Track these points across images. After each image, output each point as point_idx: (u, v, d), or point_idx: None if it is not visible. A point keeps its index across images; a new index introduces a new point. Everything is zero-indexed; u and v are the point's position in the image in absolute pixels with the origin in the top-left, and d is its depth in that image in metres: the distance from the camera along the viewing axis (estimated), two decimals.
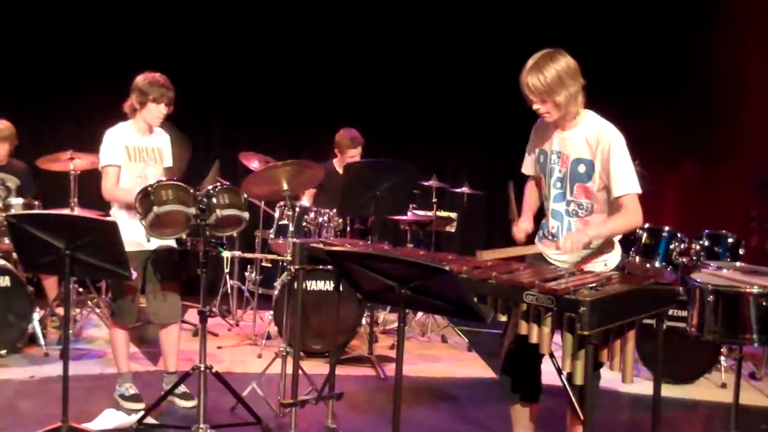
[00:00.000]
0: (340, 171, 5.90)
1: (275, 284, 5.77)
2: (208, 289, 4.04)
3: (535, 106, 3.35)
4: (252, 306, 6.32)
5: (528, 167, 3.70)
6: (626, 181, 3.30)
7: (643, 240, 5.55)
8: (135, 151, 4.37)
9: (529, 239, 3.64)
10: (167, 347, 4.53)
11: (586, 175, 3.37)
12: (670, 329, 4.89)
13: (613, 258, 3.47)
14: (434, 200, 6.44)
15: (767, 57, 6.71)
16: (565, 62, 3.28)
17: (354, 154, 6.06)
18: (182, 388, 4.41)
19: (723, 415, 4.72)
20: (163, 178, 4.23)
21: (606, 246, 3.45)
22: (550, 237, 3.52)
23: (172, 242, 4.43)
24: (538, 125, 3.60)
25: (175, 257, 4.52)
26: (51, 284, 5.89)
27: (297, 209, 5.36)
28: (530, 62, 3.30)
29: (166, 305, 4.43)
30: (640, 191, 3.32)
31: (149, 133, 4.45)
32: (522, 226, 3.61)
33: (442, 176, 6.92)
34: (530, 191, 3.76)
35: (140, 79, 4.36)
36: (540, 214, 3.69)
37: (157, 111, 4.36)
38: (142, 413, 4.09)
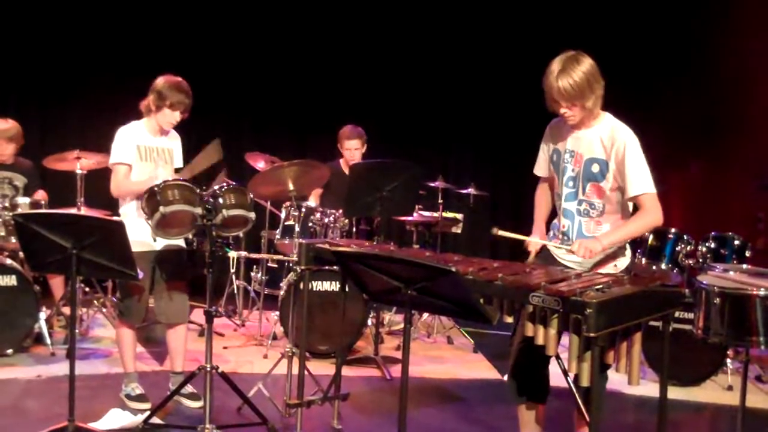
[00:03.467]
0: (346, 171, 5.90)
1: (281, 285, 5.77)
2: (214, 290, 4.04)
3: (561, 110, 3.32)
4: (258, 306, 6.33)
5: (540, 168, 3.69)
6: (641, 181, 3.29)
7: (649, 242, 5.55)
8: (146, 151, 4.36)
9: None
10: (174, 347, 4.54)
11: (600, 174, 3.37)
12: (677, 331, 4.87)
13: (623, 260, 3.46)
14: (440, 201, 6.43)
15: None
16: (589, 64, 3.27)
17: (351, 146, 6.00)
18: (189, 389, 4.41)
19: (729, 417, 4.71)
20: (170, 178, 4.23)
21: (618, 248, 3.44)
22: (560, 236, 3.51)
23: (179, 242, 4.42)
24: (552, 125, 3.59)
25: (183, 257, 4.52)
26: (57, 284, 5.90)
27: (303, 210, 5.36)
28: (556, 66, 3.25)
29: (173, 305, 4.44)
30: (654, 191, 3.31)
31: (161, 133, 4.44)
32: (534, 242, 3.58)
33: (448, 177, 6.91)
34: (540, 197, 3.74)
35: (161, 81, 4.30)
36: (552, 216, 3.68)
37: (171, 117, 4.32)
38: (148, 413, 4.10)
